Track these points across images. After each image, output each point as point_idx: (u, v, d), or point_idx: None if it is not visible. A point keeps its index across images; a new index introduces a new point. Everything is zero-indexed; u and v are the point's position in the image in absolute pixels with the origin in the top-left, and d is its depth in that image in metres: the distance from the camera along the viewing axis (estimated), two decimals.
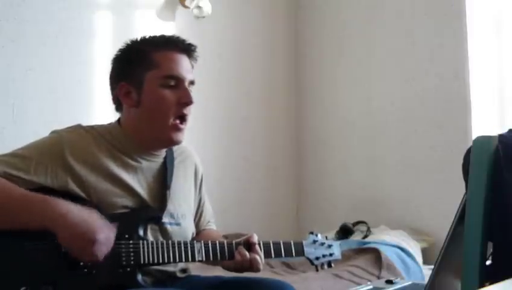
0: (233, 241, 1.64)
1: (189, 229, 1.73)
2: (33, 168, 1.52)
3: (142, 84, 1.62)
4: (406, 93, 3.65)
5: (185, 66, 1.65)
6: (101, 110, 2.94)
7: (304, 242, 1.75)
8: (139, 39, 1.69)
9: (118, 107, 1.69)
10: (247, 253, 1.61)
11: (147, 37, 1.70)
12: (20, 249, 1.45)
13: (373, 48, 3.81)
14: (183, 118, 1.64)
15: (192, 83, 1.67)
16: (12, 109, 2.75)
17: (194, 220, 1.80)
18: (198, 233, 1.81)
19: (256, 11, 3.96)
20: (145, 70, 1.62)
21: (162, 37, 1.70)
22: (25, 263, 1.45)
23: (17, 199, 1.47)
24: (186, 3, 3.30)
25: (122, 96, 1.65)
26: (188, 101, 1.63)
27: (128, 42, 1.69)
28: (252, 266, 1.61)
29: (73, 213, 1.46)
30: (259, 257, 1.63)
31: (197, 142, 3.16)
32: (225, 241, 1.64)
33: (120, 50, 1.70)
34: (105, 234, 1.47)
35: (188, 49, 1.67)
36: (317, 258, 1.75)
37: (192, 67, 1.70)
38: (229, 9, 3.74)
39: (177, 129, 1.63)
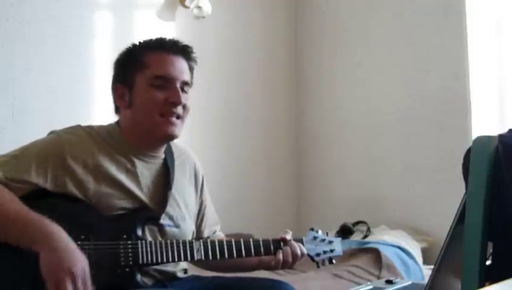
0: (232, 240, 1.64)
1: (189, 232, 1.72)
2: (33, 170, 1.51)
3: (133, 85, 1.63)
4: (405, 93, 3.64)
5: (177, 67, 1.64)
6: (101, 110, 2.94)
7: (304, 239, 1.74)
8: (137, 43, 1.70)
9: (116, 109, 1.70)
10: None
11: (145, 40, 1.71)
12: (19, 251, 1.44)
13: (373, 48, 3.80)
14: (170, 115, 1.61)
15: (186, 83, 1.65)
16: (12, 109, 2.75)
17: (196, 223, 1.79)
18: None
19: (256, 11, 3.96)
20: (137, 72, 1.63)
21: (158, 39, 1.70)
22: (24, 266, 1.44)
23: (11, 216, 1.43)
24: (186, 3, 3.29)
25: (117, 99, 1.67)
26: (176, 101, 1.61)
27: (128, 46, 1.71)
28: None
29: (58, 238, 1.41)
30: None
31: (197, 141, 3.16)
32: (224, 240, 1.65)
33: (119, 54, 1.71)
34: (82, 265, 1.40)
35: (182, 51, 1.67)
36: (317, 255, 1.75)
37: (191, 69, 1.69)
38: (229, 9, 3.74)
39: (170, 123, 1.61)
